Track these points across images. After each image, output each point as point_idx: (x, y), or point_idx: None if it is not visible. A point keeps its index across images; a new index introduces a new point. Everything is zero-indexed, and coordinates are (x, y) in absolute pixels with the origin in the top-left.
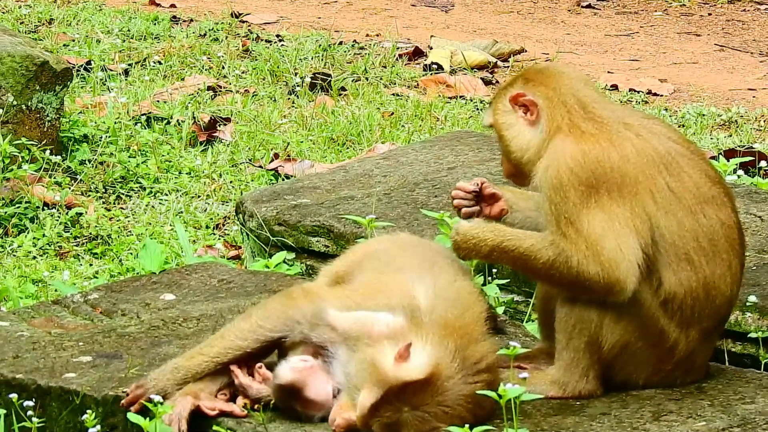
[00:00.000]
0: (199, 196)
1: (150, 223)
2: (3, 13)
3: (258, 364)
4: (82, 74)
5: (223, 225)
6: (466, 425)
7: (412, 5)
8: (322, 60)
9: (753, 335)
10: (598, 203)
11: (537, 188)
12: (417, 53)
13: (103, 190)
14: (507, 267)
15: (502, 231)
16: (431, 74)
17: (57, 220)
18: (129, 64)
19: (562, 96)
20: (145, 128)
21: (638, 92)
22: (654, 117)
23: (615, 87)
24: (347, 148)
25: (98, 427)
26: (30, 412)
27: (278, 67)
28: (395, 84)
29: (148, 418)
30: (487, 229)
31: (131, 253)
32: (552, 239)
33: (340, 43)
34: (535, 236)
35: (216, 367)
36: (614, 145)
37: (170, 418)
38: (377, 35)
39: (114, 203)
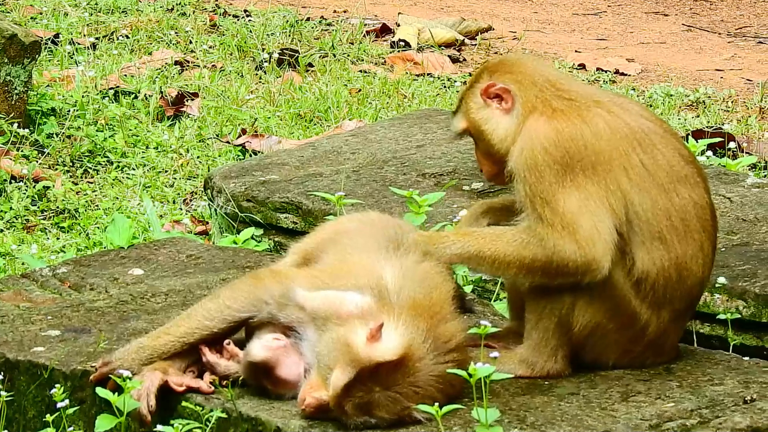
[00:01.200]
0: (166, 171)
1: (117, 198)
2: None
3: (226, 341)
4: (50, 47)
5: (190, 200)
6: (436, 404)
7: None
8: (289, 36)
9: (722, 317)
10: (574, 182)
11: (512, 173)
12: (384, 30)
13: (71, 164)
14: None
15: (470, 230)
16: (398, 51)
17: (24, 194)
18: (97, 38)
19: (531, 77)
20: (113, 102)
21: (605, 72)
22: (624, 96)
23: (582, 66)
24: (314, 124)
25: (66, 401)
26: None
27: (246, 42)
28: (362, 61)
29: (116, 393)
30: (453, 231)
31: (98, 227)
32: (527, 224)
33: (308, 19)
34: (505, 228)
35: (182, 348)
36: (586, 122)
37: (138, 393)
38: (344, 11)
39: (81, 177)
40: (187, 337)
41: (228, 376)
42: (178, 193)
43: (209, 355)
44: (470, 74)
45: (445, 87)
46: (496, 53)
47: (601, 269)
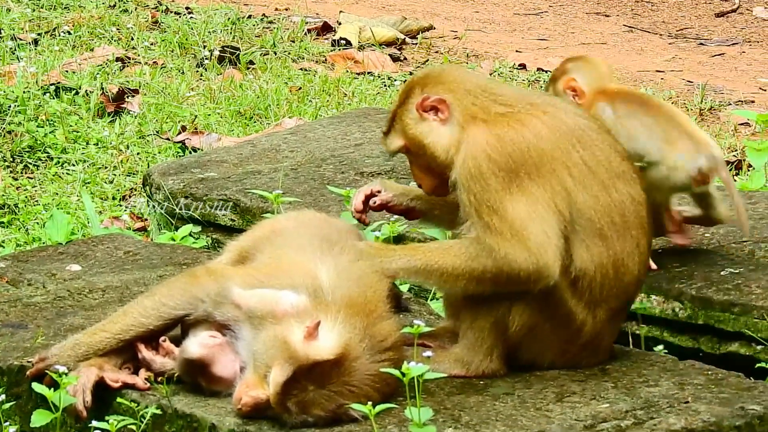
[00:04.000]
0: (105, 167)
1: (57, 194)
2: None
3: (162, 338)
4: None
5: (129, 197)
6: (369, 403)
7: None
8: (230, 33)
9: (658, 318)
10: (520, 187)
11: (455, 183)
12: (325, 28)
13: (11, 159)
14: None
15: (417, 246)
16: (339, 50)
17: None
18: (39, 34)
19: (462, 85)
20: (54, 98)
21: (546, 72)
22: (556, 97)
23: (523, 66)
24: (254, 122)
25: (3, 396)
26: None
27: (187, 39)
28: (303, 59)
29: (52, 389)
30: (401, 246)
31: (38, 223)
32: (475, 235)
33: (249, 16)
34: (452, 241)
35: (118, 344)
36: (525, 125)
37: (75, 388)
38: (286, 9)
39: (21, 173)
40: (124, 334)
41: (163, 372)
42: (118, 190)
43: (145, 352)
44: (406, 79)
45: (385, 86)
46: (437, 52)
47: (553, 275)
